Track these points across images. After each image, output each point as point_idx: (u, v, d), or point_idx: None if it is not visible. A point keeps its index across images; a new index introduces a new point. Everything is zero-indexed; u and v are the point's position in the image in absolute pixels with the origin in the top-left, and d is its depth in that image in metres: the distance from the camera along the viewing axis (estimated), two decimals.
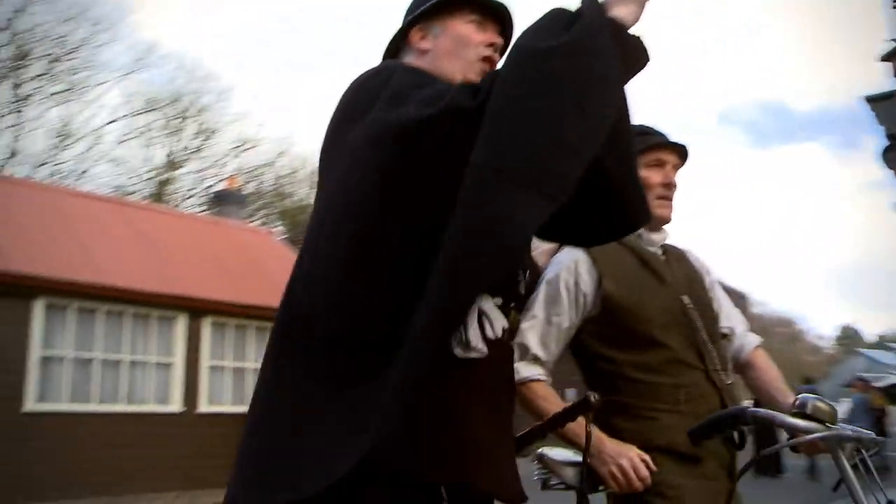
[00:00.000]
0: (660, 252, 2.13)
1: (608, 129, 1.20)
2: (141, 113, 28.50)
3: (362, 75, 1.48)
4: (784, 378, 2.16)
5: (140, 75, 45.62)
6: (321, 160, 1.49)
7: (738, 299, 24.74)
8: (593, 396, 1.67)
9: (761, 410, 1.68)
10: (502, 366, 1.52)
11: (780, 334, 60.55)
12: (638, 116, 1.32)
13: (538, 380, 1.97)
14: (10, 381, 8.81)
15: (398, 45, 1.72)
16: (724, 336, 2.17)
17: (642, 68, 1.30)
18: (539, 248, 2.17)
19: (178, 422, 10.58)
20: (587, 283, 1.99)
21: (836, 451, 1.67)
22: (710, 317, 2.09)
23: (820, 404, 1.64)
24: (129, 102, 30.62)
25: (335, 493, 1.33)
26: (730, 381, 2.02)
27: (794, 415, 1.65)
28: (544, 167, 1.17)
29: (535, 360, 1.98)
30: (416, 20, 1.68)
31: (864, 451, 1.68)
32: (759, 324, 55.16)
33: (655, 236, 2.12)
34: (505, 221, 1.16)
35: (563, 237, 1.61)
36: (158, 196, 27.88)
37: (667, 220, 2.12)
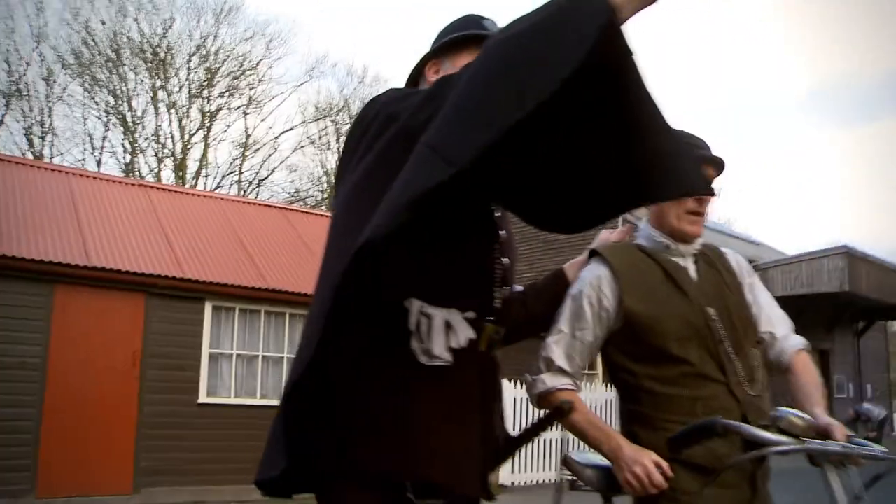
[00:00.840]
0: (691, 261, 2.14)
1: (537, 101, 1.18)
2: (314, 120, 30.35)
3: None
4: None
5: (312, 85, 48.23)
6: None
7: None
8: (565, 405, 1.77)
9: (732, 422, 1.70)
10: (474, 372, 1.64)
11: None
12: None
13: (564, 388, 2.06)
14: (188, 377, 9.81)
15: (416, 77, 1.91)
16: (759, 343, 2.16)
17: (623, 58, 1.25)
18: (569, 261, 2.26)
19: None
20: (609, 300, 2.05)
21: (823, 465, 1.67)
22: (740, 327, 2.08)
23: (794, 419, 1.65)
24: (302, 111, 32.68)
25: (316, 489, 1.57)
26: (755, 394, 2.00)
27: (766, 428, 1.67)
28: (451, 136, 1.24)
29: (560, 371, 2.07)
30: (431, 55, 1.87)
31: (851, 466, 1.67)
32: None
33: (684, 247, 2.13)
34: (411, 181, 1.25)
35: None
36: (330, 200, 29.54)
37: (697, 236, 2.13)
